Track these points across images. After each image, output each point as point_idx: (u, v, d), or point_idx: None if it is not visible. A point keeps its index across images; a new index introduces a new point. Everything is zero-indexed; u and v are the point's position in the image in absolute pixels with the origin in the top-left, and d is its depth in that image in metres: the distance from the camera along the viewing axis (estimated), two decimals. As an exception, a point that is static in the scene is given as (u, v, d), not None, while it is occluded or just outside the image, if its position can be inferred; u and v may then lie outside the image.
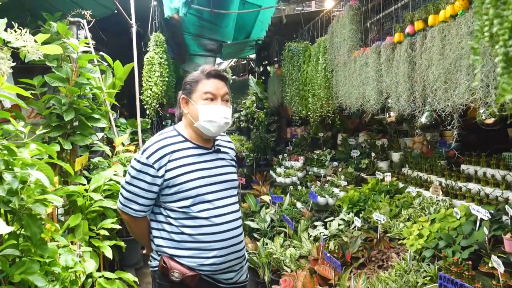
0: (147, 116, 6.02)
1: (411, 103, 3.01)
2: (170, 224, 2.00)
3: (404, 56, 3.05)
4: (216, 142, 2.17)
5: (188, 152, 2.03)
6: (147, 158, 1.96)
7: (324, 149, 6.89)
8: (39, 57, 2.07)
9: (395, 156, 4.95)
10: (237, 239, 2.08)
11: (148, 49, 5.99)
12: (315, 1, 8.52)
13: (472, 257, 2.76)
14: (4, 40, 2.05)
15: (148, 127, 6.91)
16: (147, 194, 1.98)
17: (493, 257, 2.37)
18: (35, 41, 2.07)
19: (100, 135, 4.44)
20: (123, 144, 4.82)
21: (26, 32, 2.04)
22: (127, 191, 2.02)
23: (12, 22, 2.08)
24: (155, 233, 2.06)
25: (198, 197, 1.97)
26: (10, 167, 1.84)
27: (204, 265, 1.97)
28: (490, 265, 2.55)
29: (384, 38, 3.59)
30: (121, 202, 2.07)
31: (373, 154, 5.26)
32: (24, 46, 2.03)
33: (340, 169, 5.67)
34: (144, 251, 2.26)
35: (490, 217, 2.80)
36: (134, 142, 5.87)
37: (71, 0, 4.28)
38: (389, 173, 4.53)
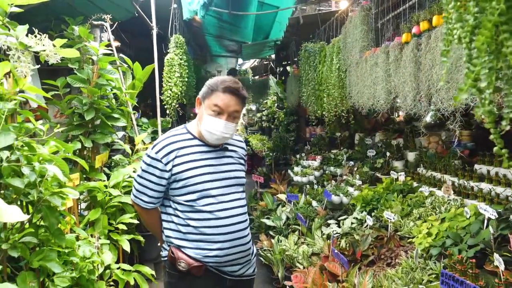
0: (167, 116, 6.20)
1: (417, 102, 3.05)
2: (178, 216, 2.11)
3: (411, 56, 3.09)
4: (226, 141, 2.25)
5: (195, 149, 2.13)
6: (156, 153, 2.08)
7: (341, 148, 6.93)
8: (57, 61, 2.22)
9: (411, 156, 4.95)
10: (242, 233, 2.16)
11: (168, 51, 6.17)
12: (335, 1, 8.53)
13: (478, 255, 2.78)
14: (25, 44, 2.21)
15: (169, 126, 7.11)
16: (156, 187, 2.10)
17: (495, 255, 2.40)
18: (54, 45, 2.23)
19: (121, 134, 4.62)
20: (143, 143, 4.99)
21: (45, 37, 2.20)
22: (138, 183, 2.15)
23: (33, 28, 2.24)
24: (165, 224, 2.19)
25: (203, 191, 2.07)
26: (29, 162, 2.00)
27: (208, 257, 2.07)
28: (495, 263, 2.56)
29: (393, 39, 3.63)
30: (133, 194, 2.21)
31: (388, 154, 5.27)
32: (44, 50, 2.18)
33: (356, 169, 5.70)
34: (159, 244, 2.40)
35: (497, 216, 2.81)
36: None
37: (93, 3, 4.47)
38: (403, 173, 4.55)
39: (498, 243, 2.76)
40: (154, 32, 5.46)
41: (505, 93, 1.07)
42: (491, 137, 1.13)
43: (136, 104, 4.86)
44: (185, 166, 2.08)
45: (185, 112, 8.92)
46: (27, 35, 2.21)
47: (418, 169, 4.69)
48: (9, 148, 1.91)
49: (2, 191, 1.98)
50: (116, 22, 4.92)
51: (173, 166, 2.07)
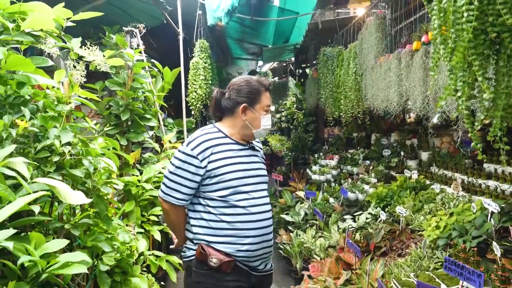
0: (192, 116, 6.55)
1: (426, 105, 3.31)
2: (209, 212, 2.17)
3: (420, 63, 3.35)
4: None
5: (228, 147, 2.23)
6: (192, 150, 2.14)
7: (358, 148, 7.18)
8: (107, 69, 2.57)
9: (424, 155, 5.19)
10: (269, 229, 2.25)
11: (193, 55, 6.51)
12: (352, 7, 8.77)
13: (482, 246, 3.02)
14: (79, 54, 2.57)
15: (193, 126, 7.46)
16: (190, 184, 2.15)
17: (494, 244, 2.65)
18: (104, 55, 2.58)
19: (150, 133, 4.97)
20: (170, 142, 5.33)
21: (96, 49, 2.55)
22: (171, 180, 2.18)
23: (86, 41, 2.59)
24: (193, 222, 2.22)
25: (237, 187, 2.15)
26: (85, 155, 2.35)
27: (240, 251, 2.14)
28: (495, 252, 2.81)
29: (405, 46, 3.90)
30: (163, 191, 2.22)
31: (402, 153, 5.51)
32: (95, 60, 2.54)
33: (371, 167, 5.95)
34: (172, 246, 2.40)
35: (499, 210, 3.05)
36: (180, 140, 6.42)
37: (128, 13, 4.84)
38: (416, 171, 4.79)
39: (500, 234, 3.00)
40: (181, 37, 5.80)
41: (479, 100, 1.36)
42: (469, 135, 1.41)
43: (165, 105, 5.20)
44: (220, 162, 2.15)
45: (208, 112, 9.25)
46: (81, 47, 2.57)
47: (431, 168, 4.92)
48: (69, 144, 2.26)
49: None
50: (145, 29, 5.28)
51: (209, 162, 2.13)
